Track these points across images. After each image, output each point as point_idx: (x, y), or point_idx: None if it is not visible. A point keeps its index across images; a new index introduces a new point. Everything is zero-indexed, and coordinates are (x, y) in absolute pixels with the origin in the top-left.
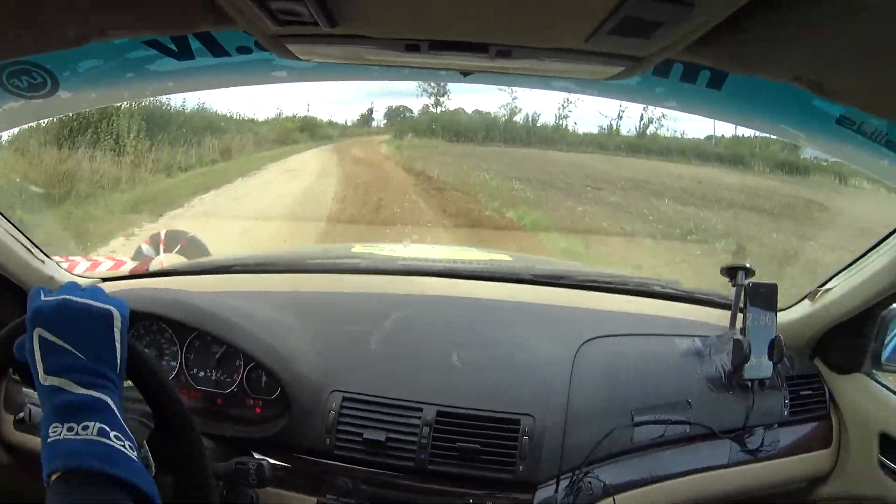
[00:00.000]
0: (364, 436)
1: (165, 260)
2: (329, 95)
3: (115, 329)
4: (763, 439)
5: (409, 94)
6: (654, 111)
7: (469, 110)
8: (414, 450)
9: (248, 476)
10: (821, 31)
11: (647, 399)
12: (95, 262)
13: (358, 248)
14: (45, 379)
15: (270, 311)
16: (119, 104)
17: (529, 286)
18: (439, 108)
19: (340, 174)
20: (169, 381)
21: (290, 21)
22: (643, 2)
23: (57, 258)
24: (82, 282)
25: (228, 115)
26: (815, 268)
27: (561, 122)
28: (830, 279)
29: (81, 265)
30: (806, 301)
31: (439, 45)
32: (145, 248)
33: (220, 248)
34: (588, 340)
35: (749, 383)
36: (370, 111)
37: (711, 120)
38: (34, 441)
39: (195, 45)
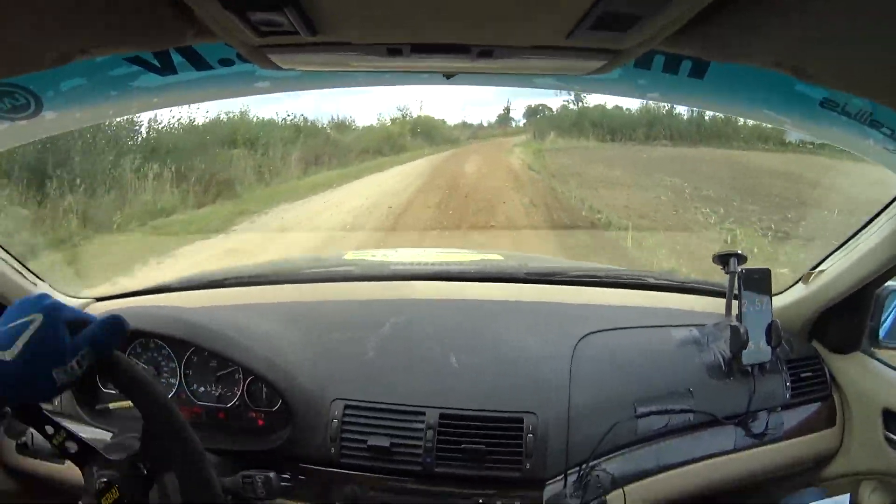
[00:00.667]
0: (368, 442)
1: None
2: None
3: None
4: (767, 423)
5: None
6: None
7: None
8: (419, 454)
9: (256, 489)
10: (800, 15)
11: (649, 390)
12: None
13: (350, 256)
14: None
15: (267, 322)
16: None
17: (523, 284)
18: (580, 104)
19: (412, 216)
20: (143, 374)
21: (271, 31)
22: None
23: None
24: (75, 302)
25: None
26: None
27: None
28: (823, 261)
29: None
30: (800, 284)
31: (421, 48)
32: None
33: None
34: (585, 335)
35: (749, 368)
36: (507, 110)
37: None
38: (37, 465)
39: (177, 59)
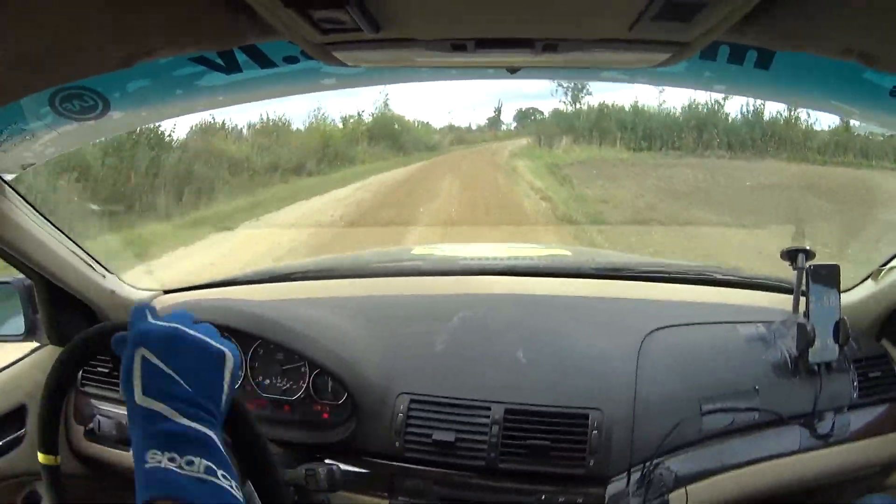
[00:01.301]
0: (433, 437)
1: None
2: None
3: (227, 370)
4: (833, 424)
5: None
6: None
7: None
8: (484, 449)
9: (319, 481)
10: (867, 0)
11: (714, 388)
12: None
13: (418, 250)
14: (141, 399)
15: (333, 316)
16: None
17: (590, 280)
18: (583, 102)
19: None
20: (262, 433)
21: (334, 29)
22: None
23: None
24: (144, 295)
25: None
26: None
27: (791, 114)
28: (893, 258)
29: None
30: (869, 281)
31: (485, 43)
32: None
33: None
34: (652, 332)
35: (815, 367)
36: (498, 111)
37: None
38: (103, 452)
39: (242, 58)
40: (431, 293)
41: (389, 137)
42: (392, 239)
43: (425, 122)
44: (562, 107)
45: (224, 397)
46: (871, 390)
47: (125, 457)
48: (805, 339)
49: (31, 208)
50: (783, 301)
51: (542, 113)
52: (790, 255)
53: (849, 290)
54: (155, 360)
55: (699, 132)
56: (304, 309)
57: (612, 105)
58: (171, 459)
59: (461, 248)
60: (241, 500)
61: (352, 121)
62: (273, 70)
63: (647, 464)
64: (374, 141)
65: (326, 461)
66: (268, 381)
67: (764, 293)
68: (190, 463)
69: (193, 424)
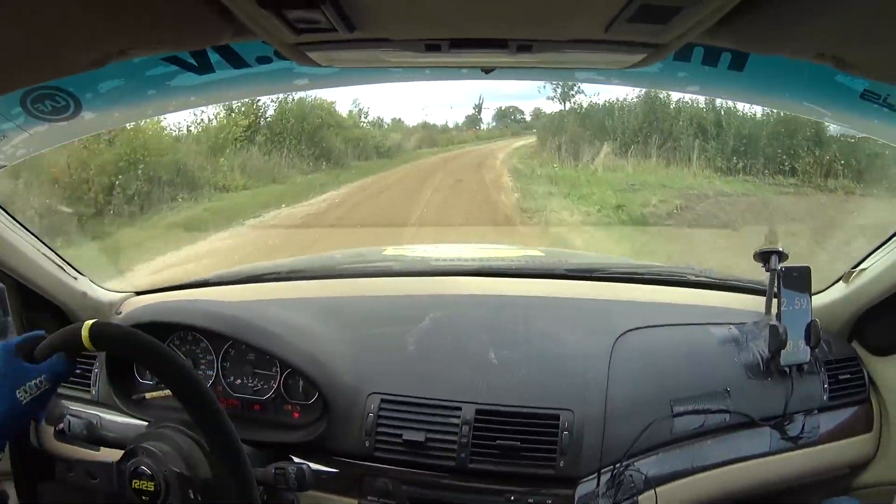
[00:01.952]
0: (404, 437)
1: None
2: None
3: None
4: (803, 426)
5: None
6: None
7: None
8: (454, 449)
9: (288, 480)
10: (841, 5)
11: (686, 389)
12: None
13: (389, 251)
14: None
15: (305, 317)
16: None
17: (563, 281)
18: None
19: None
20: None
21: (309, 29)
22: None
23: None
24: (115, 297)
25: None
26: None
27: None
28: (864, 260)
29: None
30: (840, 283)
31: (460, 43)
32: None
33: None
34: (624, 333)
35: (787, 369)
36: (478, 107)
37: None
38: (74, 451)
39: (214, 58)
40: (403, 294)
41: (308, 139)
42: None
43: (364, 111)
44: (585, 99)
45: None
46: (841, 393)
47: (96, 456)
48: (777, 340)
49: (2, 210)
50: (756, 303)
51: (539, 113)
52: (763, 257)
53: (820, 291)
54: None
55: (818, 146)
56: (276, 310)
57: (663, 97)
58: None
59: (433, 248)
60: None
61: (238, 113)
62: (246, 70)
63: (617, 465)
64: (275, 144)
65: (296, 460)
66: (239, 381)
67: (737, 295)
68: None
69: None
